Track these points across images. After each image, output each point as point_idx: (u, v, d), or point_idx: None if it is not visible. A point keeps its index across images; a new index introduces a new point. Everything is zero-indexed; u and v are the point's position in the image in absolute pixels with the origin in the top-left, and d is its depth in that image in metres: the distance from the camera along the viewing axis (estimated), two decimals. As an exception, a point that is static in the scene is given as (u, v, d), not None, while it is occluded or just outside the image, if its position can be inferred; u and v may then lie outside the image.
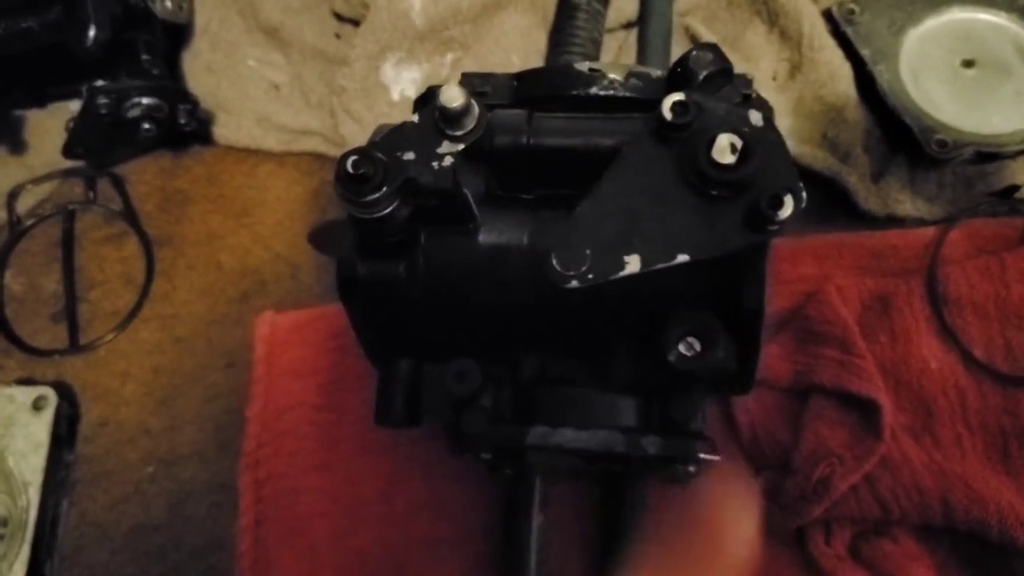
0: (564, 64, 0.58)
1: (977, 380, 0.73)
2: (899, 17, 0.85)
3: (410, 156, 0.53)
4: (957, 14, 0.86)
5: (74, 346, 0.83)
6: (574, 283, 0.48)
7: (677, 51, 0.88)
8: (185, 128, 0.83)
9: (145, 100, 0.79)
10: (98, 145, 0.83)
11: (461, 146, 0.53)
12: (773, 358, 0.74)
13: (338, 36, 0.91)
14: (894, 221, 0.80)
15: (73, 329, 0.83)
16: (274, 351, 0.79)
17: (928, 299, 0.75)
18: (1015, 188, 0.80)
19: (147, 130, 0.80)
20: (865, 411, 0.70)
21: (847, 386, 0.70)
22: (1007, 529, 0.65)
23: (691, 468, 0.57)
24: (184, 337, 0.83)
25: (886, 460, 0.68)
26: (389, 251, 0.56)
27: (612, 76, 0.57)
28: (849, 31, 0.84)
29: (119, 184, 0.89)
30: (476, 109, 0.54)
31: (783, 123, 0.82)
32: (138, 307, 0.84)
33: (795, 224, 0.78)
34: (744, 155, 0.46)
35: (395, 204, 0.52)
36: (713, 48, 0.53)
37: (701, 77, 0.52)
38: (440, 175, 0.53)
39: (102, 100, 0.77)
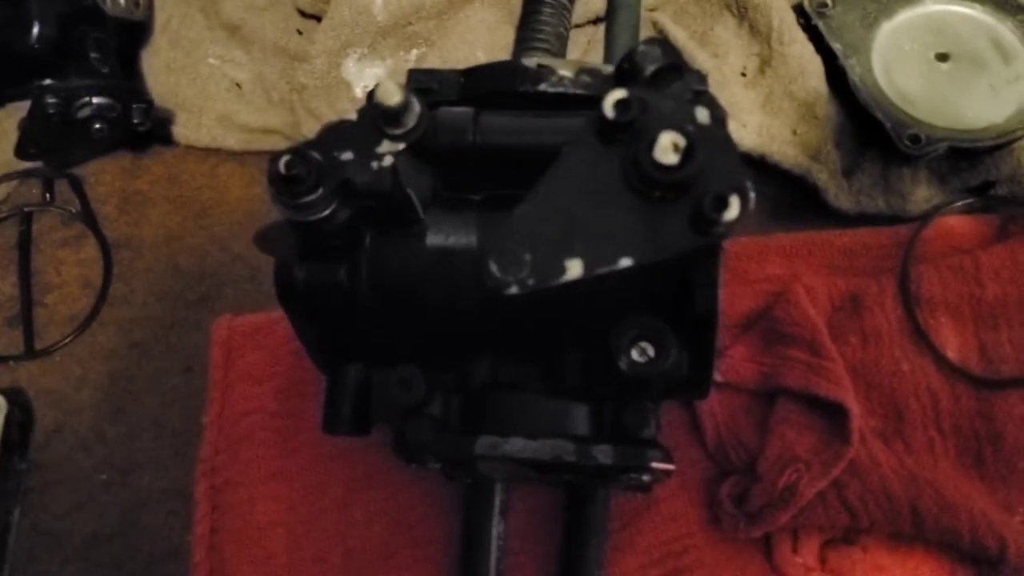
0: (512, 60, 0.56)
1: (950, 383, 0.71)
2: (872, 10, 0.83)
3: (348, 156, 0.51)
4: (931, 7, 0.84)
5: (30, 351, 0.81)
6: (514, 289, 0.46)
7: (645, 46, 0.86)
8: (139, 128, 0.81)
9: (96, 99, 0.77)
10: (51, 146, 0.81)
11: (401, 145, 0.51)
12: (739, 360, 0.72)
13: (300, 32, 0.89)
14: (866, 219, 0.79)
15: (29, 334, 0.82)
16: (231, 355, 0.77)
17: (900, 299, 0.73)
18: (990, 184, 0.78)
19: (99, 130, 0.78)
20: (833, 415, 0.68)
21: (815, 389, 0.68)
22: (979, 538, 0.63)
23: (644, 477, 0.55)
24: (141, 341, 0.81)
25: (855, 466, 0.66)
26: (331, 254, 0.54)
27: (562, 73, 0.55)
28: (821, 25, 0.82)
29: (77, 185, 0.87)
30: (416, 106, 0.52)
31: (752, 120, 0.80)
32: (95, 311, 0.82)
33: (751, 223, 0.77)
34: (687, 155, 0.44)
35: (333, 206, 0.51)
36: (661, 43, 0.51)
37: (648, 73, 0.50)
38: (379, 176, 0.51)
39: (50, 100, 0.75)
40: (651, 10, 0.88)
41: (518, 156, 0.54)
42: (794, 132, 0.79)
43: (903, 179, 0.79)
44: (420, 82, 0.58)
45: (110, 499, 0.76)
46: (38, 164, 0.86)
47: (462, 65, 0.82)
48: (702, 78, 0.55)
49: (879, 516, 0.65)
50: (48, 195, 0.86)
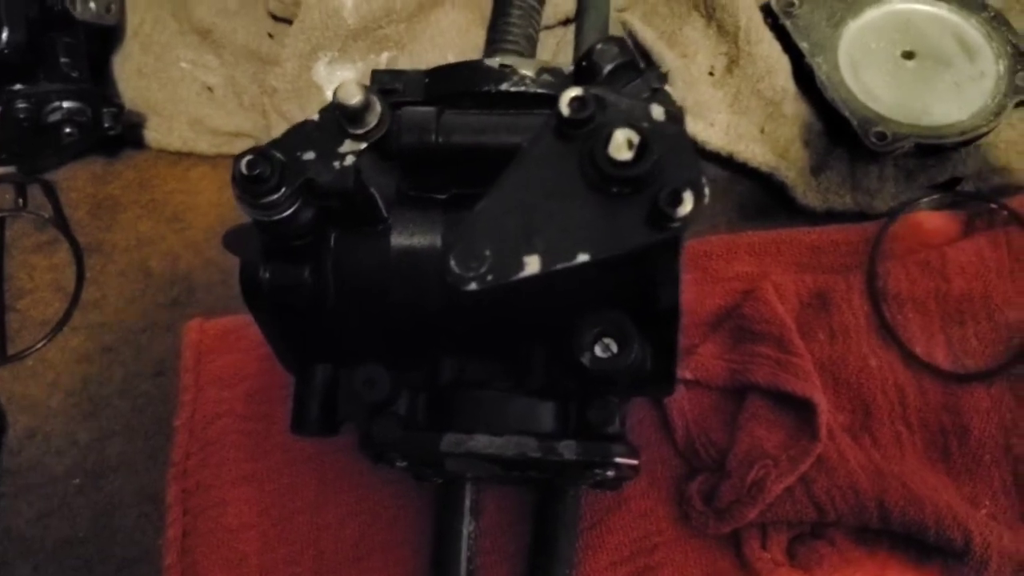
0: (475, 60, 0.56)
1: (917, 377, 0.72)
2: (839, 8, 0.84)
3: (310, 156, 0.51)
4: (897, 5, 0.84)
5: (2, 356, 0.81)
6: (473, 285, 0.47)
7: (615, 47, 0.86)
8: (110, 132, 0.81)
9: (66, 104, 0.77)
10: (22, 150, 0.81)
11: (363, 145, 0.52)
12: (709, 357, 0.72)
13: (271, 36, 0.89)
14: (834, 216, 0.79)
15: (1, 339, 0.81)
16: (202, 359, 0.77)
17: (868, 295, 0.74)
18: (957, 180, 0.79)
19: (69, 134, 0.78)
20: (802, 411, 0.68)
21: (783, 385, 0.69)
22: (944, 530, 0.63)
23: (609, 473, 0.56)
24: (113, 346, 0.81)
25: (822, 461, 0.67)
26: (296, 254, 0.54)
27: (523, 72, 0.56)
28: (788, 24, 0.83)
29: (50, 190, 0.87)
30: (378, 106, 0.52)
31: (720, 119, 0.81)
32: (68, 316, 0.82)
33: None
34: (641, 151, 0.45)
35: (296, 206, 0.51)
36: (619, 41, 0.52)
37: (606, 71, 0.51)
38: (341, 175, 0.51)
39: (20, 104, 0.75)
40: (620, 10, 0.88)
41: (481, 154, 0.54)
42: (762, 130, 0.80)
43: (870, 176, 0.79)
44: (384, 82, 0.58)
45: (83, 503, 0.76)
46: (10, 169, 0.86)
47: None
48: (661, 76, 0.55)
49: (846, 510, 0.65)
50: (20, 200, 0.86)
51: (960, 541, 0.63)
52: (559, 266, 0.46)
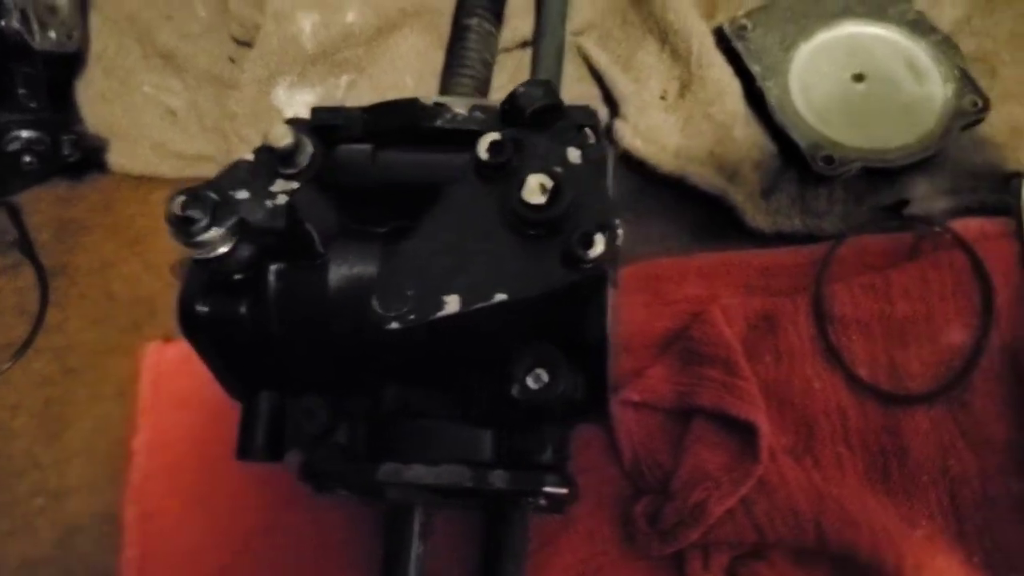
0: (410, 98, 0.57)
1: (860, 399, 0.73)
2: (791, 32, 0.85)
3: (244, 195, 0.53)
4: (849, 28, 0.85)
5: (-34, 379, 0.82)
6: (395, 324, 0.48)
7: (570, 70, 0.88)
8: (69, 159, 0.82)
9: (24, 134, 0.78)
10: (-16, 178, 0.83)
11: (295, 184, 0.53)
12: (657, 380, 0.74)
13: (232, 60, 0.90)
14: (784, 238, 0.80)
15: (-35, 362, 0.83)
16: (161, 381, 0.78)
17: (814, 318, 0.75)
18: (905, 203, 0.80)
19: (28, 163, 0.79)
20: (746, 434, 0.69)
21: (728, 408, 0.70)
22: (878, 551, 0.65)
23: (542, 501, 0.57)
24: (76, 368, 0.82)
25: (763, 483, 0.68)
26: (236, 287, 0.56)
27: (456, 110, 0.57)
28: (740, 47, 0.84)
29: (15, 214, 0.88)
30: (309, 147, 0.53)
31: (671, 142, 0.82)
32: (31, 338, 0.83)
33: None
34: (554, 195, 0.46)
35: (232, 243, 0.52)
36: (544, 84, 0.53)
37: (529, 113, 0.52)
38: (273, 214, 0.53)
39: (-22, 135, 0.76)
40: (577, 34, 0.89)
41: (415, 190, 0.55)
42: (711, 153, 0.81)
43: (819, 199, 0.81)
44: (324, 119, 0.59)
45: (44, 523, 0.77)
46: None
47: (392, 90, 0.84)
48: (590, 113, 0.56)
49: (785, 532, 0.66)
50: (-15, 224, 0.87)
51: (892, 563, 0.64)
52: (477, 306, 0.48)
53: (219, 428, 0.76)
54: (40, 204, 0.89)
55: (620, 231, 0.46)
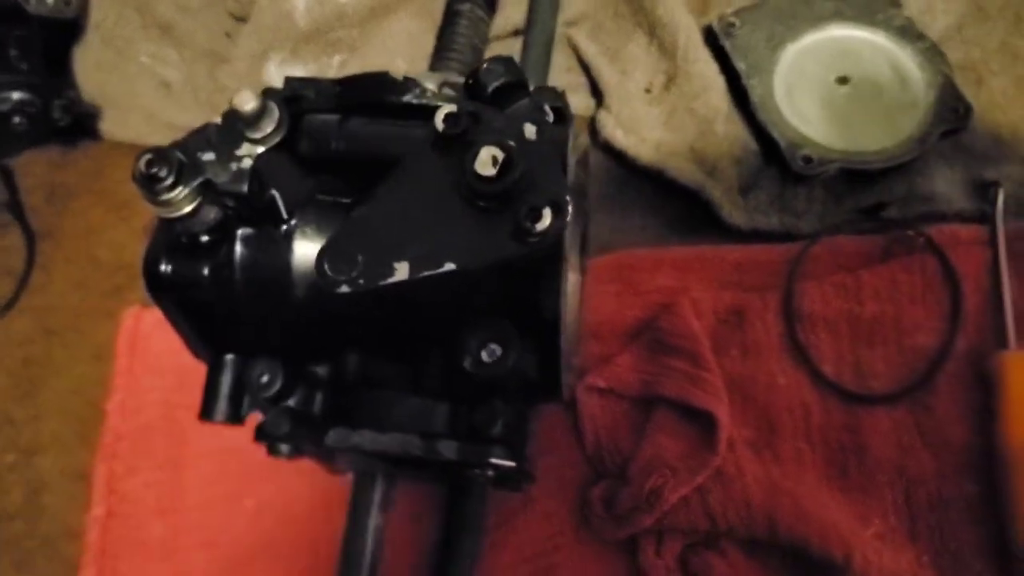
0: (381, 72, 0.58)
1: (823, 397, 0.73)
2: (779, 32, 0.86)
3: (210, 157, 0.54)
4: (836, 31, 0.86)
5: (-51, 336, 0.84)
6: (344, 288, 0.49)
7: (560, 60, 0.89)
8: (60, 123, 0.83)
9: (15, 95, 0.79)
10: (-26, 139, 0.84)
11: (260, 148, 0.54)
12: (623, 368, 0.74)
13: (228, 35, 0.91)
14: (762, 235, 0.80)
15: (-51, 319, 0.84)
16: (137, 345, 0.80)
17: (783, 314, 0.75)
18: (883, 206, 0.80)
19: (18, 124, 0.80)
20: (707, 424, 0.70)
21: (690, 399, 0.70)
22: (827, 546, 0.65)
23: (489, 473, 0.58)
24: (56, 329, 0.83)
25: (720, 474, 0.68)
26: (201, 250, 0.57)
27: (426, 85, 0.58)
28: (727, 44, 0.84)
29: (7, 176, 0.89)
30: (276, 112, 0.54)
31: (653, 135, 0.82)
32: (15, 299, 0.85)
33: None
34: (504, 168, 0.47)
35: (196, 203, 0.53)
36: (506, 61, 0.54)
37: (491, 89, 0.53)
38: (238, 176, 0.53)
39: (-32, 95, 0.78)
40: (570, 24, 0.90)
41: (379, 161, 0.56)
42: (692, 148, 0.82)
43: (798, 198, 0.81)
44: (295, 89, 0.60)
45: (15, 479, 0.78)
46: (-32, 156, 0.89)
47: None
48: (558, 95, 0.57)
49: (737, 522, 0.67)
50: (-24, 185, 0.89)
51: (840, 558, 0.64)
52: (425, 273, 0.48)
53: (191, 394, 0.76)
54: (33, 167, 0.90)
55: (569, 208, 0.47)
